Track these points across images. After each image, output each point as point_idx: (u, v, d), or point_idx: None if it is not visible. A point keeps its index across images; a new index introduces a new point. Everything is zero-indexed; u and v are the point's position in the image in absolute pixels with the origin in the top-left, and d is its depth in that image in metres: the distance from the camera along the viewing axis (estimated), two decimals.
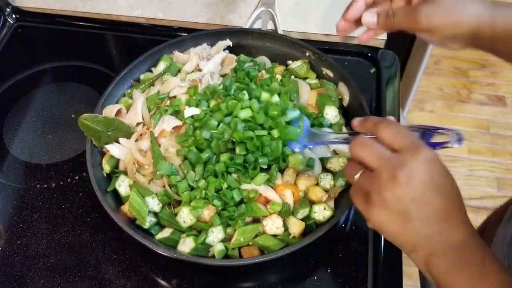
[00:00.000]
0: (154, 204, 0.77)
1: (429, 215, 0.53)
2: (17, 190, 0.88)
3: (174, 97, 0.87)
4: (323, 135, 0.77)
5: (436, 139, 0.62)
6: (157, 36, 1.10)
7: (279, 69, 0.94)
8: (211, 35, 0.97)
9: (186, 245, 0.74)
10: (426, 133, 0.61)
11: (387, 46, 1.07)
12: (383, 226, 0.56)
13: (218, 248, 0.73)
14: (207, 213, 0.76)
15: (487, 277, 0.52)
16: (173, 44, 0.96)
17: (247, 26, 0.99)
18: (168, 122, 0.82)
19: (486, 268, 0.52)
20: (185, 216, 0.75)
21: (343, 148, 0.82)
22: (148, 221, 0.77)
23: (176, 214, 0.76)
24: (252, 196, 0.75)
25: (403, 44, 1.61)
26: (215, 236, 0.74)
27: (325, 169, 0.81)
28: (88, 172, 0.78)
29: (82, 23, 1.15)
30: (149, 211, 0.77)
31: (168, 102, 0.87)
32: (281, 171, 0.78)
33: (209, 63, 0.92)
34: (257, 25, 1.03)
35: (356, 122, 0.62)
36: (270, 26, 1.03)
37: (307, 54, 0.94)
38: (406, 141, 0.55)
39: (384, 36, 1.07)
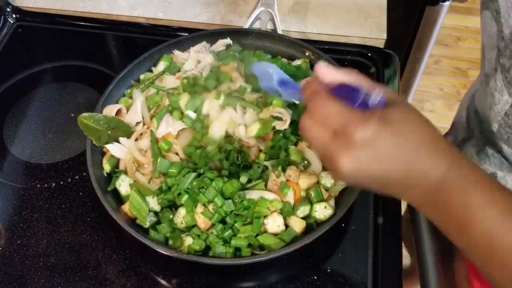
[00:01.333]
0: (154, 203, 0.77)
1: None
2: (17, 190, 0.88)
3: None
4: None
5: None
6: (157, 36, 1.10)
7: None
8: (211, 35, 0.97)
9: (186, 245, 0.74)
10: (353, 94, 0.53)
11: (387, 46, 1.08)
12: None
13: (218, 248, 0.73)
14: (202, 220, 0.75)
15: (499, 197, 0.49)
16: (173, 44, 0.96)
17: (246, 26, 1.00)
18: (174, 125, 0.82)
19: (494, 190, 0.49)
20: (182, 217, 0.75)
21: None
22: (149, 221, 0.77)
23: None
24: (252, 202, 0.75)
25: (403, 44, 1.61)
26: (215, 236, 0.74)
27: (325, 168, 0.81)
28: (88, 171, 0.78)
29: (82, 23, 1.15)
30: (150, 210, 0.77)
31: (167, 101, 0.87)
32: (284, 169, 0.78)
33: (208, 56, 0.92)
34: (257, 25, 1.03)
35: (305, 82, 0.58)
36: (269, 26, 1.03)
37: (306, 54, 0.94)
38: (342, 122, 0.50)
39: (384, 36, 1.07)
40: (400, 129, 0.50)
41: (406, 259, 0.82)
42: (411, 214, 0.94)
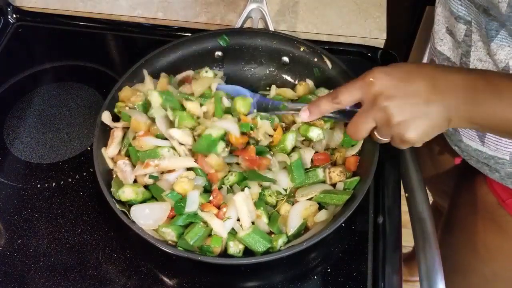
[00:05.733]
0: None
1: (423, 88, 0.61)
2: (17, 189, 0.88)
3: None
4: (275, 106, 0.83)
5: None
6: (157, 36, 1.10)
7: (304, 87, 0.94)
8: (212, 35, 0.97)
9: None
10: None
11: (387, 46, 1.08)
12: (417, 134, 0.62)
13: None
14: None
15: None
16: (175, 46, 0.95)
17: (238, 26, 0.99)
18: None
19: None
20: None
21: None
22: None
23: None
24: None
25: (403, 44, 1.62)
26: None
27: None
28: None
29: (82, 23, 1.15)
30: None
31: None
32: None
33: None
34: (248, 24, 1.02)
35: (307, 112, 0.73)
36: (261, 25, 1.02)
37: (301, 49, 0.94)
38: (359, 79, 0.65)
39: (384, 36, 1.08)
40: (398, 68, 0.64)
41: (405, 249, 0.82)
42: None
